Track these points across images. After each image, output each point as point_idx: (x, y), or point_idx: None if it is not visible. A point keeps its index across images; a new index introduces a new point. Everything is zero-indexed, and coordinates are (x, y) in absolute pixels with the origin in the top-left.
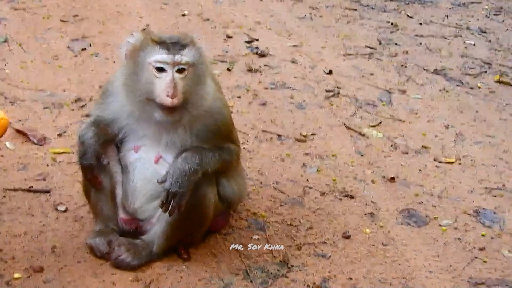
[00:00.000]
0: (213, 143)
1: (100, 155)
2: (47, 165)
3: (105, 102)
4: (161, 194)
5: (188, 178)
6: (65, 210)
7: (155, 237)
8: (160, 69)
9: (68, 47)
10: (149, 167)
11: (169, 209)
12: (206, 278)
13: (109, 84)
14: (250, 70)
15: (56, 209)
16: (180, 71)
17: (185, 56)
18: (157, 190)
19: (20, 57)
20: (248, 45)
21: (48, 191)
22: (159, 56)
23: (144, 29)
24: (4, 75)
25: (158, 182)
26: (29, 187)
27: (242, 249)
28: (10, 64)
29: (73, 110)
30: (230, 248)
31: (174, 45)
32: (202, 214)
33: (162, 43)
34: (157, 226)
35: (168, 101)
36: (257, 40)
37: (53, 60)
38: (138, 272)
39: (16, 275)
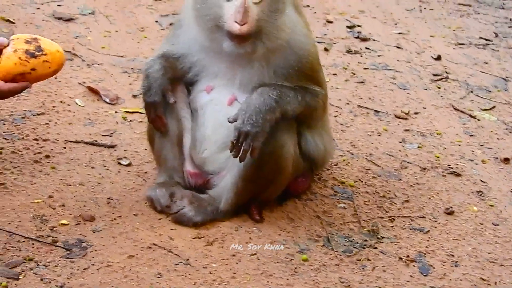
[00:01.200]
0: (296, 83)
1: (166, 91)
2: (116, 122)
3: (175, 34)
4: None
5: (263, 117)
6: (128, 165)
7: (223, 192)
8: None
9: (156, 21)
10: (221, 109)
11: (240, 152)
12: (280, 241)
13: (180, 15)
14: (349, 51)
15: (119, 163)
16: None
17: None
18: (229, 137)
19: (105, 27)
20: (349, 30)
21: (113, 146)
22: None
23: None
24: (85, 42)
25: (229, 121)
26: (93, 141)
27: (324, 215)
28: (94, 32)
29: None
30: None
31: None
32: (279, 166)
33: None
34: (226, 178)
35: (236, 28)
36: (360, 26)
37: (138, 31)
38: (201, 229)
39: (63, 221)
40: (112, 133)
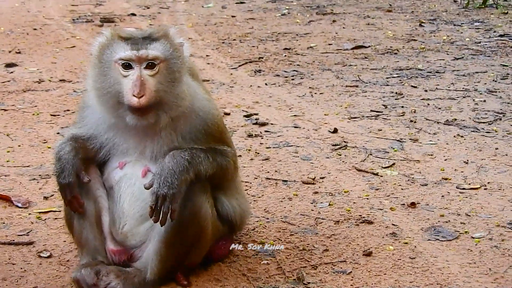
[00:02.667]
0: (205, 145)
1: (80, 171)
2: (31, 223)
3: (82, 117)
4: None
5: (178, 177)
6: (49, 256)
7: (148, 261)
8: (127, 66)
9: (58, 133)
10: (136, 182)
11: (160, 216)
12: None
13: (84, 96)
14: (250, 135)
15: (39, 256)
16: (149, 67)
17: (153, 50)
18: (147, 209)
19: (7, 144)
20: (247, 118)
21: (31, 243)
22: (123, 52)
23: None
24: None
25: (145, 187)
26: (11, 240)
27: (250, 273)
28: None
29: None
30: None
31: (142, 40)
32: (199, 228)
33: (129, 39)
34: (149, 247)
35: (134, 101)
36: (256, 114)
37: (41, 143)
38: None
39: None
40: (28, 232)
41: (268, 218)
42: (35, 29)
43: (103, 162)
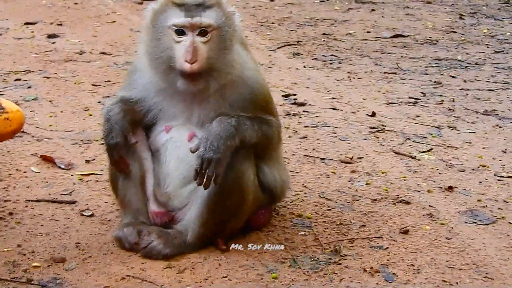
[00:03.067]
0: (251, 114)
1: (127, 133)
2: (74, 183)
3: (131, 80)
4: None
5: (224, 143)
6: (91, 215)
7: (189, 224)
8: (180, 33)
9: (99, 102)
10: (181, 146)
11: (204, 179)
12: (248, 265)
13: (135, 60)
14: (288, 114)
15: (82, 215)
16: (202, 34)
17: (207, 18)
18: (191, 172)
19: (50, 109)
20: (285, 98)
21: (73, 202)
22: (177, 19)
23: None
24: (32, 122)
25: (191, 151)
26: (54, 198)
27: (287, 242)
28: (40, 114)
29: (103, 144)
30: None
31: (196, 7)
32: (240, 194)
33: (183, 5)
34: (191, 210)
35: (187, 66)
36: (295, 94)
37: (83, 111)
38: (171, 261)
39: (35, 264)
40: (71, 192)
41: (305, 193)
42: (75, 3)
43: (149, 126)
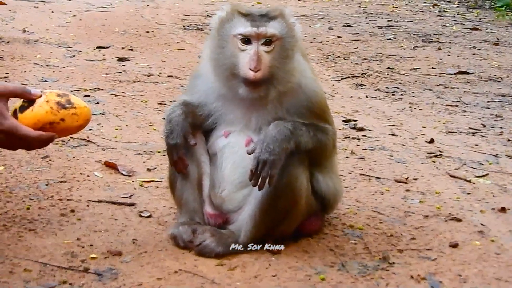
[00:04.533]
0: (307, 121)
1: (187, 134)
2: (134, 188)
3: (194, 85)
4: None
5: (279, 145)
6: (149, 216)
7: (242, 225)
8: (246, 41)
9: (164, 119)
10: (238, 151)
11: (259, 180)
12: (297, 266)
13: (198, 66)
14: (347, 138)
15: (140, 215)
16: (266, 43)
17: (271, 28)
18: (246, 177)
19: (116, 123)
20: (345, 123)
21: (133, 204)
22: (243, 28)
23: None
24: (98, 133)
25: (248, 152)
26: (114, 200)
27: (337, 249)
28: (106, 127)
29: (164, 155)
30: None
31: (261, 17)
32: (293, 198)
33: (248, 15)
34: (244, 212)
35: (251, 74)
36: (355, 120)
37: (147, 126)
38: (223, 259)
39: (93, 255)
40: (131, 196)
41: (358, 207)
42: (147, 31)
43: (209, 130)
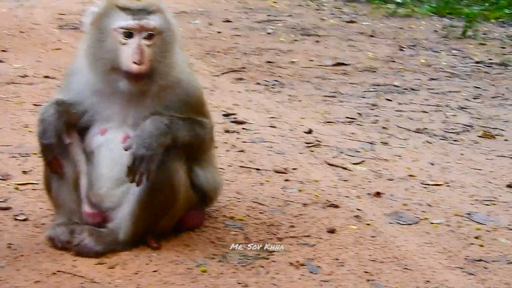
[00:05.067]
0: (185, 115)
1: (61, 134)
2: (9, 192)
3: (68, 82)
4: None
5: (156, 140)
6: (25, 219)
7: (121, 222)
8: (128, 35)
9: None
10: (115, 148)
11: (137, 177)
12: (178, 260)
13: (72, 64)
14: (227, 131)
15: (16, 219)
16: (147, 37)
17: (153, 21)
18: (124, 174)
19: None
20: (225, 117)
21: (8, 208)
22: (124, 22)
23: None
24: None
25: (124, 148)
26: None
27: (218, 241)
28: None
29: (40, 157)
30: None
31: (140, 11)
32: (172, 193)
33: (128, 9)
34: (123, 209)
35: (134, 68)
36: (235, 114)
37: (22, 128)
38: (102, 258)
39: None
40: (5, 200)
41: (239, 199)
42: (21, 32)
43: (84, 128)
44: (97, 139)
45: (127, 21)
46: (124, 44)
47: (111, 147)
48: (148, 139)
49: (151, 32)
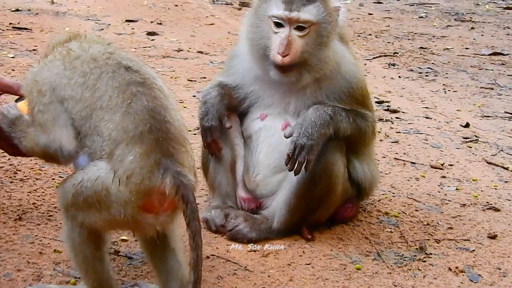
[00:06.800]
0: (347, 106)
1: (222, 117)
2: None
3: (230, 65)
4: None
5: (318, 130)
6: None
7: (276, 211)
8: (278, 25)
9: (194, 96)
10: (274, 134)
11: (295, 165)
12: (332, 255)
13: (235, 47)
14: (380, 120)
15: None
16: (299, 28)
17: (306, 14)
18: (281, 161)
19: None
20: (378, 104)
21: None
22: (276, 10)
23: None
24: None
25: (285, 136)
26: None
27: (372, 237)
28: None
29: (195, 134)
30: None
31: (298, 1)
32: (329, 184)
33: None
34: (279, 197)
35: (278, 58)
36: (388, 102)
37: (177, 103)
38: (255, 245)
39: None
40: None
41: (394, 193)
42: (176, 5)
43: (244, 113)
44: (257, 124)
45: (279, 11)
46: (275, 33)
47: (270, 134)
48: (310, 129)
49: (302, 24)
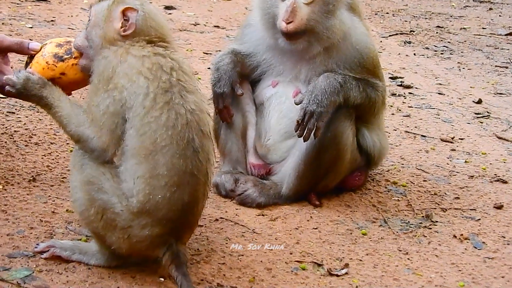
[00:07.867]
0: (358, 75)
1: (235, 84)
2: None
3: (243, 34)
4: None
5: (328, 97)
6: None
7: (285, 176)
8: None
9: (209, 68)
10: (286, 101)
11: (305, 132)
12: (339, 220)
13: (248, 16)
14: (393, 94)
15: None
16: None
17: None
18: (292, 127)
19: None
20: (392, 80)
21: None
22: None
23: None
24: None
25: (296, 103)
26: None
27: (379, 205)
28: None
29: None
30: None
31: None
32: (338, 152)
33: None
34: (288, 163)
35: (283, 25)
36: (402, 77)
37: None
38: (264, 210)
39: None
40: None
41: (403, 164)
42: None
43: (256, 81)
44: (268, 91)
45: None
46: (283, 1)
47: (281, 100)
48: (320, 96)
49: None
